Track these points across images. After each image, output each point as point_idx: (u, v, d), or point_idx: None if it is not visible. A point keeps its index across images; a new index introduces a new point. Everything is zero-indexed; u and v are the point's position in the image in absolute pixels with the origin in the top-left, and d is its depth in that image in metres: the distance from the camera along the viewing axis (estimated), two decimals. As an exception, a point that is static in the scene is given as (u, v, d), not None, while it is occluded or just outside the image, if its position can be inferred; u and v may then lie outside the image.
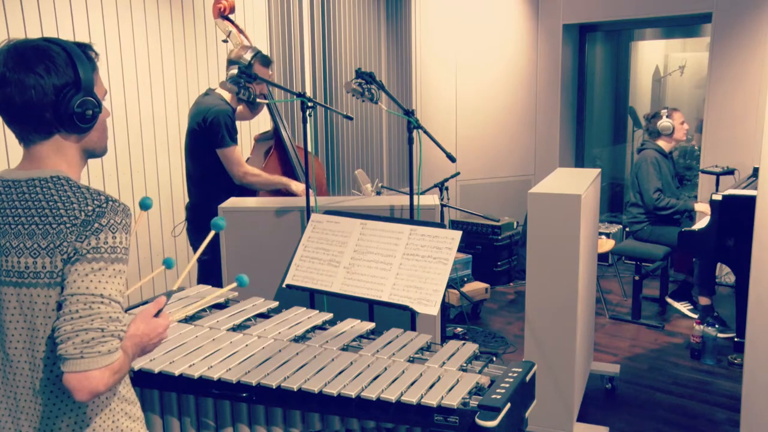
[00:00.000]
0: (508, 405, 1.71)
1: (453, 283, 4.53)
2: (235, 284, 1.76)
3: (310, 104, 2.86)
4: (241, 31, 3.60)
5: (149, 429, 1.93)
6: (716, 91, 5.30)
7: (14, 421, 1.38)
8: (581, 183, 3.09)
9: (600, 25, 6.32)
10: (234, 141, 3.28)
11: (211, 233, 1.70)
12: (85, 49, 1.38)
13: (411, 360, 2.00)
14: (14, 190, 1.36)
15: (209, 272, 3.29)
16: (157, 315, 1.46)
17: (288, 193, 3.39)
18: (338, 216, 2.77)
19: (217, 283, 2.99)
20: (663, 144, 4.70)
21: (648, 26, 6.78)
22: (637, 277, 4.58)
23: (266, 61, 3.39)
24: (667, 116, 4.67)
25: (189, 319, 2.27)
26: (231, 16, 3.62)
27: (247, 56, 3.30)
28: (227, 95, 3.35)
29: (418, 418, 1.77)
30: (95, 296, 1.27)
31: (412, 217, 2.92)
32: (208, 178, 3.34)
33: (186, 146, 3.43)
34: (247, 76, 3.20)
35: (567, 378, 2.97)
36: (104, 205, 1.32)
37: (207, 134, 3.25)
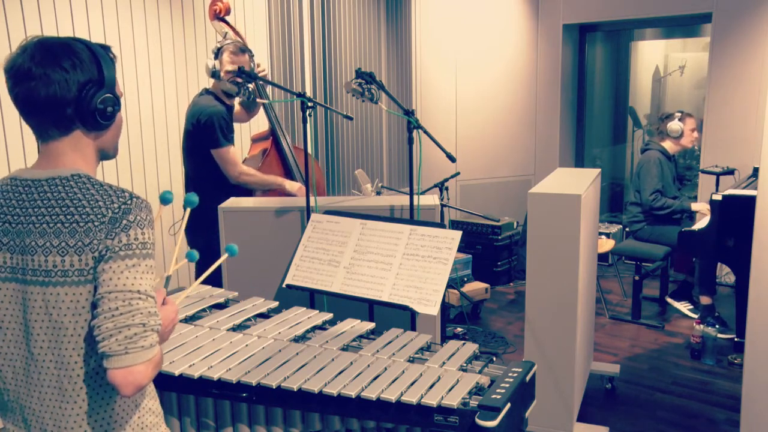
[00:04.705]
0: (508, 405, 1.71)
1: (453, 283, 4.53)
2: (226, 255, 1.77)
3: (310, 104, 2.87)
4: (237, 32, 3.60)
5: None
6: (716, 91, 5.30)
7: (38, 420, 1.38)
8: (581, 183, 3.09)
9: (600, 25, 6.32)
10: (228, 141, 3.29)
11: (187, 210, 1.70)
12: (106, 50, 1.40)
13: (411, 360, 2.00)
14: (35, 190, 1.36)
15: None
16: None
17: (283, 192, 3.39)
18: (338, 216, 2.77)
19: (217, 282, 2.99)
20: (668, 146, 4.69)
21: (648, 26, 6.78)
22: (637, 277, 4.58)
23: (244, 51, 3.39)
24: (679, 119, 4.65)
25: (189, 319, 2.27)
26: (227, 18, 3.63)
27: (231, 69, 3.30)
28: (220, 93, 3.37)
29: (418, 418, 1.77)
30: (133, 292, 1.28)
31: (412, 217, 2.91)
32: (205, 177, 3.34)
33: (183, 146, 3.44)
34: (247, 76, 3.20)
35: (567, 378, 2.97)
36: (129, 202, 1.33)
37: (201, 135, 3.26)
